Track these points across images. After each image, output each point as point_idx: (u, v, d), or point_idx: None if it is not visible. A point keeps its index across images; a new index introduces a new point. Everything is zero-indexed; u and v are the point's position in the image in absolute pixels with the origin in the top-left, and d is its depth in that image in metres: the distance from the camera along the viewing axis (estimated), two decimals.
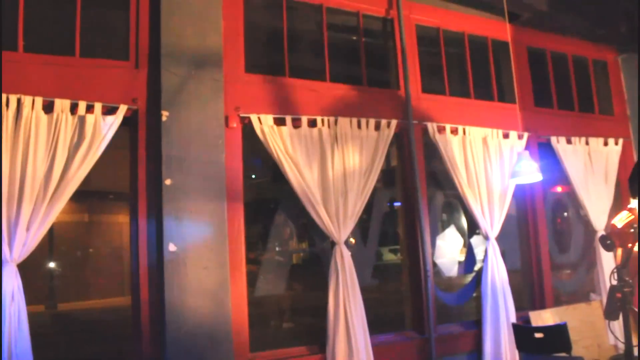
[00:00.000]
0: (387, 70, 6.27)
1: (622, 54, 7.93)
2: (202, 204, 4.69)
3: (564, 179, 7.04)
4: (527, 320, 6.20)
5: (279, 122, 5.19)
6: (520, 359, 5.00)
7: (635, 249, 2.26)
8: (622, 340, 2.26)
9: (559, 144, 6.89)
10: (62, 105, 4.33)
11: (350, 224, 5.28)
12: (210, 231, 4.70)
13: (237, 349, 4.75)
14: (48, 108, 4.29)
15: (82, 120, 4.40)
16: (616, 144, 7.36)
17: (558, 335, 4.70)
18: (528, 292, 6.78)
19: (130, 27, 4.90)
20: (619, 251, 2.30)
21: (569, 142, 6.98)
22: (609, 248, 2.31)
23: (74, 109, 4.40)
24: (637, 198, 2.34)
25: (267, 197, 6.67)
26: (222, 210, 4.79)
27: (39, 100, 4.24)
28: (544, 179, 6.19)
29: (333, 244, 5.22)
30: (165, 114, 4.69)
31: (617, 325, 3.67)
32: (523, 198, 6.82)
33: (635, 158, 7.63)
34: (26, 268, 4.07)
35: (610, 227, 2.31)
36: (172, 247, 4.53)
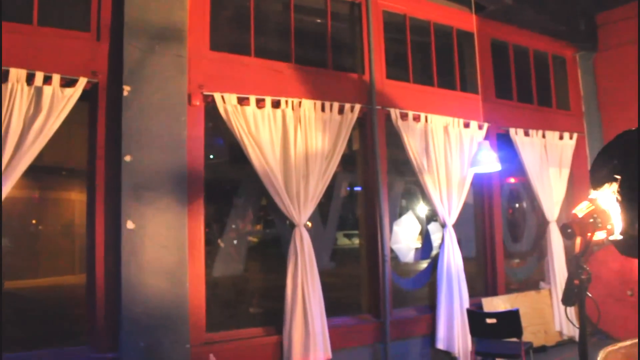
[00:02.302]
0: (353, 55, 6.26)
1: (580, 51, 8.13)
2: (162, 181, 4.61)
3: (520, 170, 7.20)
4: (480, 307, 6.36)
5: (243, 101, 5.13)
6: (473, 344, 5.12)
7: (594, 238, 2.32)
8: (578, 325, 2.33)
9: (517, 135, 7.04)
10: (17, 74, 4.17)
11: (311, 206, 5.29)
12: (170, 210, 4.63)
13: (194, 329, 4.72)
14: (2, 77, 4.12)
15: (39, 91, 4.24)
16: (571, 138, 7.57)
17: (510, 321, 4.83)
18: (482, 279, 6.95)
19: None
20: (579, 240, 2.35)
21: (526, 134, 7.14)
22: (569, 237, 2.36)
23: (30, 79, 4.24)
24: (598, 189, 2.40)
25: (226, 177, 6.58)
26: (183, 189, 4.72)
27: None
28: (500, 170, 6.31)
29: (293, 226, 5.21)
30: (126, 89, 4.57)
31: (573, 311, 3.81)
32: (480, 187, 6.96)
33: (588, 153, 7.87)
34: None
35: (571, 217, 2.36)
36: (130, 225, 4.44)
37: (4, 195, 4.06)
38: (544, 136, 7.28)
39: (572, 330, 6.79)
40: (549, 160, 7.25)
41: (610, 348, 2.71)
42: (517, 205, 8.23)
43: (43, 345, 4.64)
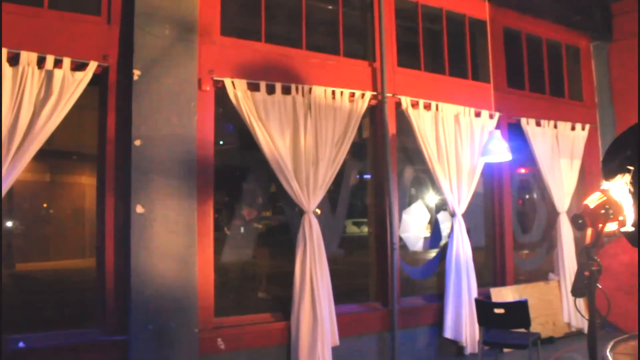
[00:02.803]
0: (364, 42, 6.22)
1: (595, 41, 8.03)
2: (171, 166, 4.62)
3: (530, 161, 7.15)
4: (488, 297, 6.35)
5: (253, 87, 5.12)
6: (480, 333, 5.11)
7: (605, 229, 2.30)
8: (587, 317, 2.32)
9: (528, 125, 6.98)
10: (28, 58, 4.17)
11: (320, 193, 5.28)
12: (179, 194, 4.63)
13: (202, 314, 4.75)
14: (13, 60, 4.13)
15: (49, 74, 4.25)
16: (583, 129, 7.50)
17: (518, 311, 4.81)
18: (490, 269, 6.93)
19: None
20: (589, 231, 2.34)
21: (538, 124, 7.08)
22: (580, 228, 2.34)
23: (41, 62, 4.24)
24: (610, 180, 2.38)
25: (236, 164, 6.59)
26: (192, 174, 4.72)
27: (4, 52, 4.07)
28: (511, 160, 6.28)
29: (302, 212, 5.21)
30: (137, 73, 4.57)
31: (582, 302, 3.80)
32: (490, 177, 6.92)
33: (600, 144, 7.81)
34: None
35: (582, 207, 2.34)
36: (139, 209, 4.46)
37: (14, 179, 4.08)
38: (555, 126, 7.22)
39: (580, 322, 6.77)
40: (560, 151, 7.19)
41: (619, 339, 2.70)
42: (527, 195, 8.19)
43: (52, 327, 4.69)
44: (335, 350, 5.20)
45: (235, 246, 5.91)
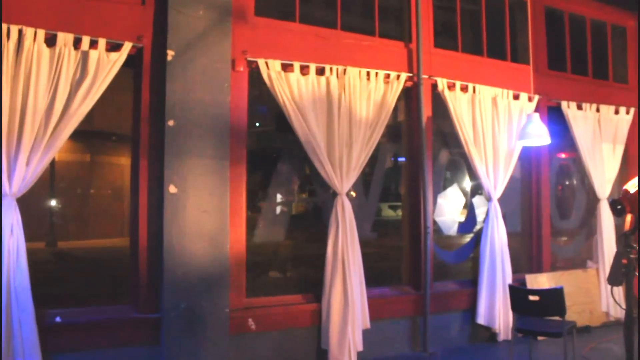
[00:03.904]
0: (400, 23, 6.11)
1: None
2: (204, 147, 4.64)
3: (571, 145, 6.95)
4: (523, 283, 6.23)
5: (287, 68, 5.08)
6: (514, 320, 5.03)
7: None
8: (624, 306, 2.23)
9: (569, 109, 6.77)
10: (65, 39, 4.22)
11: (353, 175, 5.24)
12: (212, 175, 4.66)
13: (234, 294, 4.79)
14: (50, 41, 4.18)
15: (85, 55, 4.29)
16: (627, 113, 7.24)
17: (553, 299, 4.70)
18: (526, 255, 6.79)
19: None
20: (629, 217, 2.24)
21: (579, 107, 6.86)
22: (619, 213, 2.25)
23: (77, 43, 4.29)
24: None
25: (271, 145, 6.60)
26: (225, 154, 4.73)
27: (41, 33, 4.13)
28: (550, 144, 6.12)
29: (335, 194, 5.18)
30: (170, 54, 4.58)
31: (618, 291, 3.69)
32: (528, 161, 6.76)
33: None
34: (27, 205, 4.04)
35: (622, 192, 2.25)
36: (172, 189, 4.49)
37: (52, 157, 4.15)
38: (598, 110, 6.98)
39: (619, 312, 6.59)
40: (602, 135, 6.96)
41: None
42: (567, 181, 7.99)
43: (89, 303, 4.79)
44: (366, 333, 5.19)
45: (268, 227, 5.93)
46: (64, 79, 4.18)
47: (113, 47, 4.44)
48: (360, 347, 5.10)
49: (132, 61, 4.65)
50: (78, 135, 4.28)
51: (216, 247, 4.64)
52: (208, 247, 4.61)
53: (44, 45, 4.14)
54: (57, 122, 4.15)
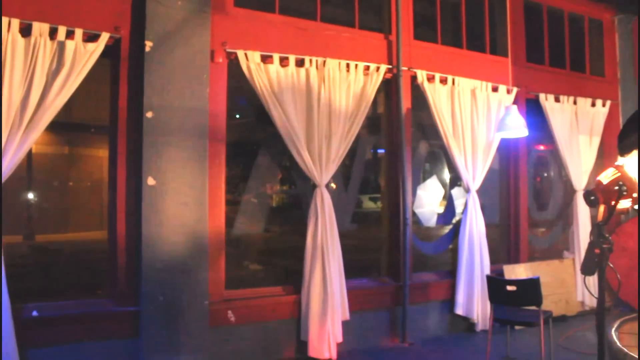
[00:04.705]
0: (380, 14, 6.11)
1: (619, 14, 7.79)
2: (183, 138, 4.61)
3: (548, 137, 7.03)
4: (501, 274, 6.30)
5: (266, 59, 5.06)
6: (492, 310, 5.09)
7: (618, 206, 2.24)
8: (596, 295, 2.27)
9: (547, 101, 6.84)
10: (40, 29, 4.15)
11: (333, 167, 5.24)
12: (191, 167, 4.63)
13: (213, 286, 4.77)
14: (25, 31, 4.11)
15: (61, 46, 4.22)
16: (604, 105, 7.34)
17: (530, 289, 4.77)
18: (504, 246, 6.87)
19: None
20: (602, 208, 2.27)
21: (557, 100, 6.94)
22: (592, 204, 2.28)
23: (53, 33, 4.22)
24: (626, 155, 2.31)
25: (251, 137, 6.57)
26: (204, 146, 4.71)
27: (15, 23, 4.05)
28: (528, 136, 6.18)
29: (314, 186, 5.19)
30: (149, 45, 4.53)
31: (592, 280, 3.74)
32: (507, 153, 6.83)
33: (621, 121, 7.63)
34: (4, 198, 3.98)
35: (595, 183, 2.28)
36: (151, 181, 4.46)
37: (27, 150, 4.09)
38: (575, 102, 7.07)
39: (594, 301, 6.66)
40: (579, 127, 7.04)
41: (626, 318, 2.65)
42: (544, 173, 8.08)
43: (67, 297, 4.74)
44: (345, 324, 5.22)
45: (247, 219, 5.92)
46: (39, 70, 4.11)
47: (90, 38, 4.38)
48: (339, 338, 5.12)
49: (109, 52, 4.59)
50: (56, 127, 4.22)
51: (195, 240, 4.62)
52: (187, 239, 4.59)
53: (19, 35, 4.06)
54: (32, 114, 4.08)
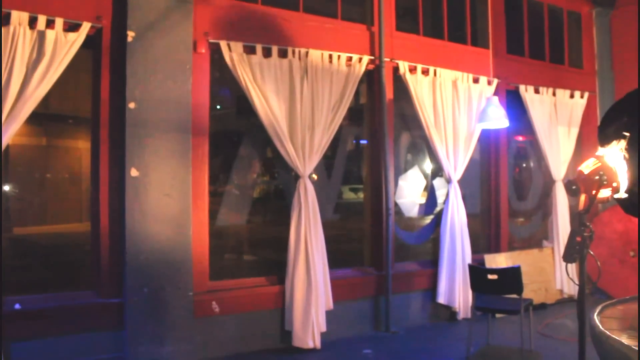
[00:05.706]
0: (362, 6, 6.11)
1: (597, 7, 7.89)
2: (166, 129, 4.59)
3: (528, 128, 7.11)
4: (482, 263, 6.39)
5: (249, 50, 5.05)
6: (473, 299, 5.16)
7: (599, 196, 2.29)
8: (577, 282, 2.33)
9: (527, 92, 6.92)
10: (19, 17, 4.09)
11: (316, 158, 5.26)
12: (174, 158, 4.62)
13: (197, 277, 4.78)
14: (4, 20, 4.05)
15: (41, 35, 4.17)
16: (582, 97, 7.44)
17: (511, 277, 4.83)
18: (485, 235, 6.96)
19: None
20: (583, 197, 2.33)
21: (536, 91, 7.02)
22: (573, 193, 2.33)
23: (33, 23, 4.17)
24: (606, 146, 2.36)
25: (234, 128, 6.54)
26: (187, 138, 4.70)
27: None
28: (508, 127, 6.25)
29: (297, 177, 5.20)
30: (131, 35, 4.50)
31: (572, 268, 3.82)
32: (487, 144, 6.90)
33: (599, 112, 7.75)
34: None
35: (577, 173, 2.33)
36: (134, 173, 4.44)
37: (7, 142, 4.04)
38: (554, 94, 7.16)
39: (572, 289, 6.83)
40: (558, 118, 7.14)
41: (607, 304, 2.72)
42: (524, 164, 8.17)
43: (49, 290, 4.70)
44: (329, 314, 5.26)
45: (231, 210, 5.91)
46: (19, 60, 4.06)
47: (71, 27, 4.33)
48: (323, 328, 5.16)
49: (91, 42, 4.56)
50: (34, 118, 4.16)
51: (179, 231, 4.62)
52: (171, 230, 4.58)
53: None
54: (12, 105, 4.03)
